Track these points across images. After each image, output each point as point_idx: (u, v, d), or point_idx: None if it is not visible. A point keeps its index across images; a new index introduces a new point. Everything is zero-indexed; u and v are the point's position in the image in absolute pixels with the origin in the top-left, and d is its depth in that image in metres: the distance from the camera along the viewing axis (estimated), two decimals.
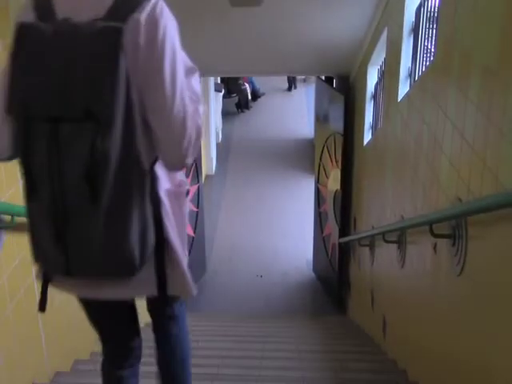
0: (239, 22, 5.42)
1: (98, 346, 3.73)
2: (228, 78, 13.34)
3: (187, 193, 1.80)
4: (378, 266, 4.85)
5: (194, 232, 7.82)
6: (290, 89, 14.86)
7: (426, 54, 3.79)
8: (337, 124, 6.68)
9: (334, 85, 7.53)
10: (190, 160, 1.55)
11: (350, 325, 6.26)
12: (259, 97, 14.53)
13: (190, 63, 1.67)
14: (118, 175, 1.43)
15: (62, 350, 3.35)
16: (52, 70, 1.40)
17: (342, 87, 6.69)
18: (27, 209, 1.54)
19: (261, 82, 14.34)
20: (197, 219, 7.89)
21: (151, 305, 2.00)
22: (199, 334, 5.18)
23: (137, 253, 1.52)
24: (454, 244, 2.59)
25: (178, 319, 2.02)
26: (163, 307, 1.98)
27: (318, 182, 8.02)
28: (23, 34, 1.44)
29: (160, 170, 1.62)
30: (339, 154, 6.65)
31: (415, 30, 3.98)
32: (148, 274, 1.64)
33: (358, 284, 6.14)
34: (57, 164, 1.42)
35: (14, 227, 2.56)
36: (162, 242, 1.64)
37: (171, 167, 1.61)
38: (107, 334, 1.99)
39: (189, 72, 1.64)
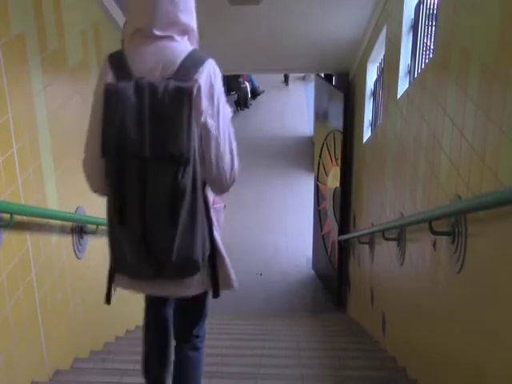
0: (239, 20, 5.41)
1: (97, 345, 3.73)
2: (228, 76, 13.33)
3: (224, 206, 2.21)
4: (378, 263, 4.85)
5: None
6: (286, 81, 14.85)
7: (426, 51, 3.78)
8: (336, 121, 6.68)
9: (334, 82, 7.53)
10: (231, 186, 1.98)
11: (349, 322, 6.26)
12: (258, 94, 14.51)
13: (229, 109, 1.96)
14: (189, 204, 1.81)
15: (61, 349, 3.35)
16: (142, 122, 1.75)
17: (342, 85, 6.69)
18: (113, 230, 1.93)
19: (260, 80, 14.32)
20: None
21: (182, 318, 2.32)
22: None
23: (200, 259, 1.91)
24: (453, 241, 2.59)
25: (199, 349, 2.33)
26: (192, 324, 2.29)
27: (317, 179, 8.02)
28: (111, 91, 1.78)
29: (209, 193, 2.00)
30: (339, 151, 6.65)
31: (414, 27, 3.98)
32: (202, 274, 2.01)
33: (358, 281, 6.14)
34: (144, 194, 1.78)
35: (12, 226, 2.55)
36: (214, 249, 2.02)
37: (219, 193, 2.02)
38: (159, 327, 2.40)
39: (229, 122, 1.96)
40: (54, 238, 3.23)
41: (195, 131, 1.79)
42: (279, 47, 5.99)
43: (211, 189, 1.98)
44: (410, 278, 3.59)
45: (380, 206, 4.76)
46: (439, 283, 2.88)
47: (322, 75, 7.84)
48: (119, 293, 4.69)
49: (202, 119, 1.82)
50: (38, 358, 3.01)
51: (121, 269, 2.05)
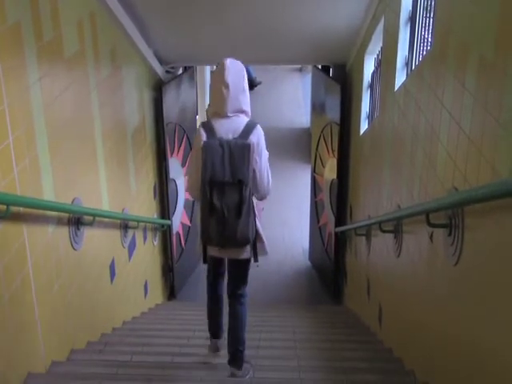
0: (235, 11, 5.39)
1: (94, 336, 3.73)
2: None
3: (262, 208, 3.56)
4: (375, 255, 4.86)
5: (191, 221, 7.82)
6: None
7: (423, 43, 3.77)
8: (333, 113, 6.67)
9: (331, 74, 7.51)
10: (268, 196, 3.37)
11: (345, 314, 6.28)
12: (255, 86, 14.49)
13: (267, 153, 3.33)
14: (247, 205, 3.10)
15: (58, 340, 3.35)
16: (223, 162, 3.06)
17: (339, 76, 6.68)
18: (207, 218, 3.13)
19: (257, 71, 14.28)
20: (193, 208, 7.89)
21: (234, 276, 3.49)
22: (195, 322, 5.18)
23: (250, 238, 3.19)
24: (450, 233, 2.59)
25: (244, 298, 3.53)
26: (241, 280, 3.50)
27: (314, 171, 8.02)
28: (207, 145, 3.09)
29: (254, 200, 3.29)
30: (336, 143, 6.65)
31: (412, 19, 3.97)
32: (249, 247, 3.28)
33: (354, 273, 6.16)
34: (224, 200, 3.08)
35: (8, 217, 2.54)
36: (256, 232, 3.29)
37: (260, 199, 3.36)
38: (216, 281, 3.64)
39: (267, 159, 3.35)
40: (51, 230, 3.22)
41: (250, 166, 3.11)
42: (276, 38, 5.97)
43: (256, 197, 3.31)
44: (407, 270, 3.59)
45: (377, 197, 4.76)
46: (436, 275, 2.89)
47: (319, 67, 7.82)
48: (117, 285, 4.71)
49: (253, 160, 3.16)
50: (35, 350, 3.01)
51: (209, 242, 3.24)
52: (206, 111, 3.51)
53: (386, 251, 4.20)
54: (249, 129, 3.19)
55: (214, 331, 3.72)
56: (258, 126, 3.24)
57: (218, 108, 3.24)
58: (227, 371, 3.39)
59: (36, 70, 2.99)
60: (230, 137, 3.15)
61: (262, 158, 3.23)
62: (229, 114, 3.22)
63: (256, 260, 3.37)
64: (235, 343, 3.39)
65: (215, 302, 3.68)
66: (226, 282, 3.60)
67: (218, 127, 3.20)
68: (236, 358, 3.37)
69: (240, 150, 3.08)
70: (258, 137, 3.21)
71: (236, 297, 3.46)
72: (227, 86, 3.19)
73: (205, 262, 3.45)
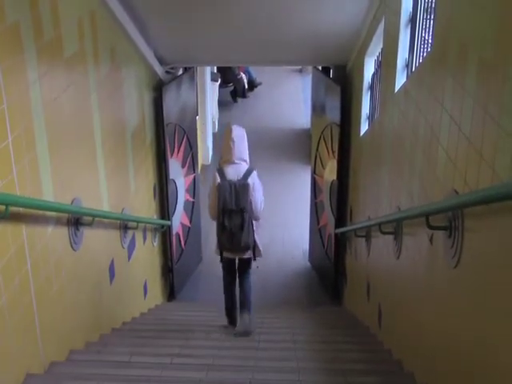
0: (236, 12, 5.39)
1: (93, 337, 3.71)
2: (224, 68, 13.29)
3: (259, 225, 5.13)
4: (374, 256, 4.85)
5: (190, 222, 7.82)
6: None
7: (424, 44, 3.77)
8: (333, 114, 6.67)
9: (331, 75, 7.50)
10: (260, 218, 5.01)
11: (345, 315, 6.28)
12: (256, 86, 14.49)
13: (262, 188, 4.93)
14: (247, 224, 4.75)
15: (57, 340, 3.34)
16: (231, 196, 4.70)
17: (339, 77, 6.67)
18: (220, 234, 4.83)
19: (256, 73, 14.29)
20: (193, 209, 7.89)
21: (242, 267, 5.19)
22: (195, 323, 5.19)
23: (251, 244, 4.85)
24: (450, 236, 2.59)
25: (249, 275, 5.22)
26: (246, 269, 5.18)
27: (314, 172, 8.01)
28: (220, 185, 4.74)
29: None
30: (336, 144, 6.64)
31: (413, 21, 3.96)
32: (250, 251, 4.93)
33: (354, 274, 6.15)
34: (232, 222, 4.73)
35: (7, 218, 2.54)
36: (254, 241, 4.91)
37: (255, 219, 4.88)
38: (231, 271, 5.24)
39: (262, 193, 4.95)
40: (50, 230, 3.22)
41: (249, 199, 4.70)
42: (276, 39, 5.97)
43: (252, 218, 4.82)
44: (407, 272, 3.59)
45: (377, 199, 4.76)
46: (436, 278, 2.88)
47: (320, 68, 7.81)
48: (116, 286, 4.70)
49: (250, 195, 4.73)
50: (34, 350, 3.01)
51: (224, 248, 4.93)
52: (219, 160, 5.16)
53: (386, 253, 4.20)
54: (248, 173, 4.82)
55: (231, 312, 5.27)
56: (254, 172, 4.86)
57: (228, 157, 4.87)
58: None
59: (35, 69, 2.98)
60: (236, 178, 4.77)
61: (256, 192, 4.81)
62: (235, 161, 4.84)
63: (254, 259, 5.11)
64: (244, 300, 5.17)
65: (230, 287, 5.32)
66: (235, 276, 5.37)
67: (227, 171, 4.82)
68: (244, 305, 5.14)
69: (242, 189, 4.72)
70: (254, 179, 4.83)
71: (243, 277, 5.25)
72: (234, 143, 4.85)
73: (221, 261, 5.18)
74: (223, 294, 5.30)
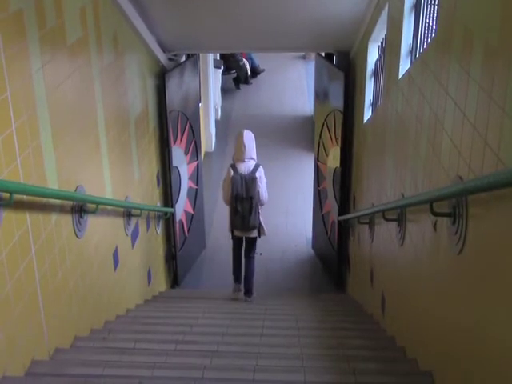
0: None
1: (97, 324, 3.73)
2: (227, 55, 13.25)
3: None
4: (378, 243, 4.86)
5: (194, 209, 7.82)
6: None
7: (428, 30, 3.74)
8: (336, 101, 6.65)
9: (334, 61, 7.47)
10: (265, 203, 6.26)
11: (348, 302, 6.29)
12: (259, 73, 14.45)
13: (265, 180, 6.18)
14: (254, 209, 5.99)
15: (61, 327, 3.36)
16: (242, 186, 5.94)
17: (342, 64, 6.63)
18: (233, 216, 6.04)
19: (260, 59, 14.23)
20: (196, 196, 7.89)
21: (248, 246, 6.35)
22: (199, 310, 5.21)
23: (257, 225, 6.09)
24: (454, 222, 2.59)
25: (253, 258, 6.40)
26: (251, 249, 6.35)
27: (317, 159, 8.00)
28: (233, 178, 5.96)
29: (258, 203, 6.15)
30: (339, 131, 6.63)
31: (417, 6, 3.94)
32: (256, 230, 6.15)
33: (358, 261, 6.16)
34: (243, 206, 5.96)
35: (12, 205, 2.54)
36: (260, 223, 6.15)
37: (261, 205, 6.14)
38: (239, 245, 6.43)
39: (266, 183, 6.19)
40: (54, 217, 3.23)
41: (256, 189, 5.93)
42: (279, 25, 5.93)
43: (258, 204, 6.00)
44: (410, 259, 3.59)
45: (380, 186, 4.75)
46: (439, 264, 2.88)
47: (323, 54, 7.78)
48: (120, 273, 4.71)
49: (258, 186, 5.94)
50: (39, 337, 3.03)
51: (235, 228, 6.08)
52: (233, 157, 6.20)
53: (390, 240, 4.20)
54: (255, 168, 5.99)
55: (237, 275, 6.40)
56: (261, 167, 6.04)
57: (240, 156, 6.03)
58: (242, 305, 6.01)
59: (39, 57, 2.98)
60: (246, 172, 5.95)
61: (262, 183, 6.01)
62: (245, 160, 6.00)
63: (259, 237, 6.23)
64: (248, 283, 6.33)
65: (237, 257, 6.42)
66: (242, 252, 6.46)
67: (239, 167, 6.00)
68: (248, 292, 6.32)
69: (250, 181, 5.91)
70: (260, 173, 6.00)
71: (249, 257, 6.34)
72: (245, 146, 5.99)
73: (232, 238, 6.31)
74: (231, 263, 6.49)
